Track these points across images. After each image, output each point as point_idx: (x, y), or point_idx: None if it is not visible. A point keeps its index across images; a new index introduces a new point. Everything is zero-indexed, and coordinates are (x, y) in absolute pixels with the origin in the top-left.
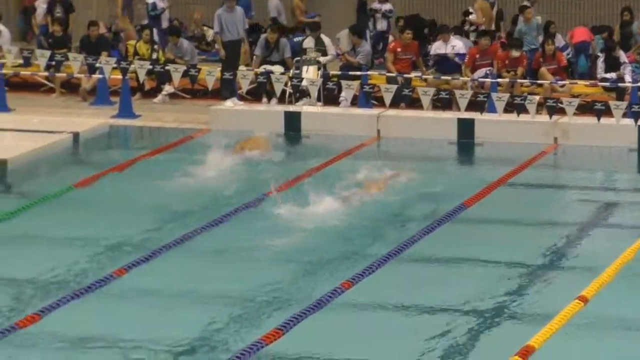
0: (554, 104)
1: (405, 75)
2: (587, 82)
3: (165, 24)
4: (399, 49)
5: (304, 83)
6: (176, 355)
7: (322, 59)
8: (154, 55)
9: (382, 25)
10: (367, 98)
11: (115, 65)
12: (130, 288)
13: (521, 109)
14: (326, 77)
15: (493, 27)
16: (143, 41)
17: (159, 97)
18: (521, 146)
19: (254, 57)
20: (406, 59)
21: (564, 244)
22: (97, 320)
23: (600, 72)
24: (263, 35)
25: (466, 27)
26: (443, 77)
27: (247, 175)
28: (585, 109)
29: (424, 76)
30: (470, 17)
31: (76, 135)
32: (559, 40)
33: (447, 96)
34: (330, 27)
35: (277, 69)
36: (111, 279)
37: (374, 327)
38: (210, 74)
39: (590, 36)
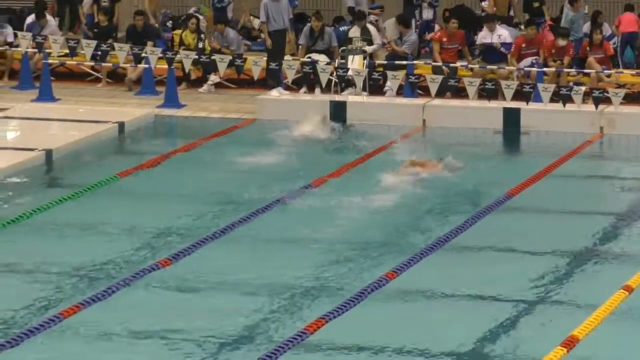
0: (600, 94)
1: (451, 65)
2: (634, 72)
3: (231, 15)
4: (444, 39)
5: (350, 73)
6: (220, 345)
7: (368, 49)
8: (200, 45)
9: (428, 14)
10: (413, 88)
11: (160, 55)
12: (176, 277)
13: (567, 99)
14: (372, 67)
15: (511, 14)
16: (189, 30)
17: (205, 87)
18: (567, 136)
19: (299, 46)
20: (452, 49)
21: (609, 233)
22: (141, 311)
23: None
24: (308, 24)
25: (479, 14)
26: (489, 67)
27: (292, 165)
28: (631, 98)
29: (470, 66)
30: (483, 4)
31: (121, 125)
32: (606, 30)
33: (493, 86)
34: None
35: (323, 58)
36: (156, 269)
37: (418, 317)
38: (256, 64)
39: (638, 25)
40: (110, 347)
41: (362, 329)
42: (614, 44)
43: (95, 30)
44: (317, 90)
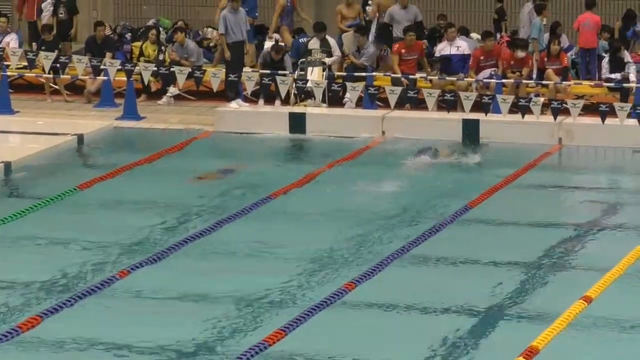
0: (559, 106)
1: (411, 77)
2: (592, 83)
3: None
4: (403, 50)
5: (309, 84)
6: (177, 356)
7: (327, 60)
8: (161, 57)
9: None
10: (372, 99)
11: (120, 67)
12: (133, 289)
13: (526, 110)
14: (331, 78)
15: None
16: (149, 42)
17: (164, 99)
18: (526, 147)
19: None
20: (411, 60)
21: (568, 244)
22: (98, 322)
23: (605, 72)
24: (267, 48)
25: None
26: (448, 78)
27: (251, 177)
28: (590, 109)
29: (429, 77)
30: (367, 8)
31: (80, 137)
32: (564, 41)
33: (452, 97)
34: (335, 28)
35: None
36: (114, 281)
37: (376, 328)
38: (215, 76)
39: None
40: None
41: (321, 340)
42: (572, 55)
43: (43, 47)
44: (277, 102)
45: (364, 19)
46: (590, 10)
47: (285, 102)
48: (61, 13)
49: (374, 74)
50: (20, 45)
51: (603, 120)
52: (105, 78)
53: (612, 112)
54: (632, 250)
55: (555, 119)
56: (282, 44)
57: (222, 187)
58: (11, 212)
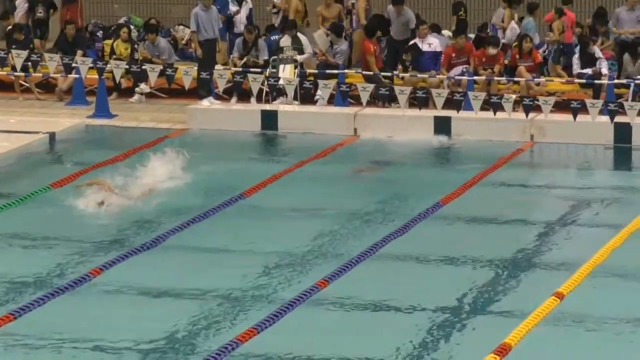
0: (530, 102)
1: (383, 74)
2: (563, 80)
3: (240, 27)
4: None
5: (281, 82)
6: (145, 356)
7: (299, 58)
8: (136, 55)
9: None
10: (344, 97)
11: (91, 65)
12: (105, 287)
13: (498, 107)
14: (303, 76)
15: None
16: (121, 40)
17: (136, 97)
18: (498, 144)
19: (232, 58)
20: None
21: (540, 241)
22: (71, 319)
23: (576, 68)
24: (240, 37)
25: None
26: (420, 75)
27: (220, 175)
28: (562, 106)
29: (401, 75)
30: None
31: (52, 136)
32: (536, 39)
33: (424, 95)
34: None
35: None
36: (87, 279)
37: (347, 325)
38: (187, 74)
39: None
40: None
41: (293, 338)
42: (544, 51)
43: (14, 46)
44: (253, 99)
45: (345, 17)
46: (566, 6)
47: (259, 99)
48: (40, 12)
49: (345, 71)
50: None
51: (575, 117)
52: (77, 76)
53: (583, 109)
54: (603, 247)
55: (527, 116)
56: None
57: (196, 185)
58: None
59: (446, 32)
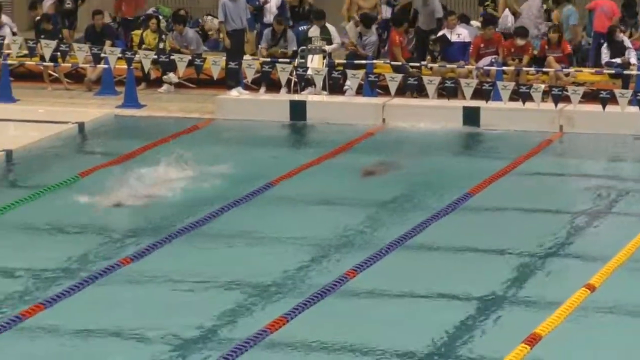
0: (559, 92)
1: (411, 64)
2: (593, 70)
3: (269, 17)
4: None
5: (309, 72)
6: (179, 344)
7: (328, 48)
8: (161, 45)
9: (387, 13)
10: (372, 87)
11: (120, 55)
12: (135, 276)
13: (526, 97)
14: (331, 66)
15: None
16: (150, 30)
17: (164, 87)
18: (526, 134)
19: (260, 49)
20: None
21: (570, 232)
22: (101, 308)
23: (605, 57)
24: (269, 27)
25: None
26: (449, 66)
27: (249, 165)
28: (591, 97)
29: (430, 65)
30: None
31: (81, 125)
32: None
33: (453, 85)
34: (336, 16)
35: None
36: (117, 268)
37: (376, 315)
38: (216, 64)
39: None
40: (69, 346)
41: (322, 327)
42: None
43: (42, 36)
44: (283, 90)
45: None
46: None
47: (288, 90)
48: (68, 3)
49: (374, 61)
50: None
51: (604, 107)
52: (106, 66)
53: (613, 99)
54: (635, 238)
55: (556, 106)
56: None
57: (226, 174)
58: (12, 200)
59: (475, 23)
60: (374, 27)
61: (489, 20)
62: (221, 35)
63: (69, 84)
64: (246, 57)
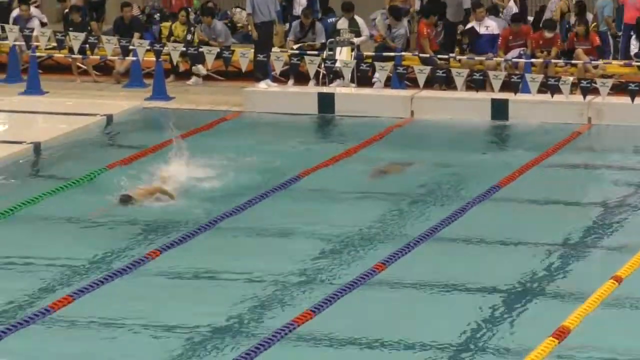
0: (588, 85)
1: (439, 56)
2: (621, 62)
3: (298, 9)
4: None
5: (338, 64)
6: (206, 336)
7: (356, 40)
8: (189, 37)
9: (416, 5)
10: (401, 79)
11: (148, 47)
12: (162, 269)
13: (555, 90)
14: (360, 58)
15: None
16: (179, 22)
17: (193, 79)
18: (555, 126)
19: (288, 41)
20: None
21: (598, 224)
22: (127, 302)
23: (634, 49)
24: (298, 20)
25: None
26: (477, 58)
27: (277, 158)
28: (619, 89)
29: (458, 57)
30: None
31: (110, 118)
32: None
33: (481, 77)
34: (364, 8)
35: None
36: (143, 261)
37: (404, 308)
38: (244, 56)
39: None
40: (102, 337)
41: (351, 320)
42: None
43: (71, 28)
44: (311, 82)
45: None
46: None
47: (316, 82)
48: None
49: (402, 53)
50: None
51: (632, 99)
52: (134, 59)
53: None
54: None
55: (584, 98)
56: None
57: (252, 168)
58: (41, 192)
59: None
60: (404, 20)
61: (518, 17)
62: (249, 28)
63: (97, 76)
64: (274, 49)
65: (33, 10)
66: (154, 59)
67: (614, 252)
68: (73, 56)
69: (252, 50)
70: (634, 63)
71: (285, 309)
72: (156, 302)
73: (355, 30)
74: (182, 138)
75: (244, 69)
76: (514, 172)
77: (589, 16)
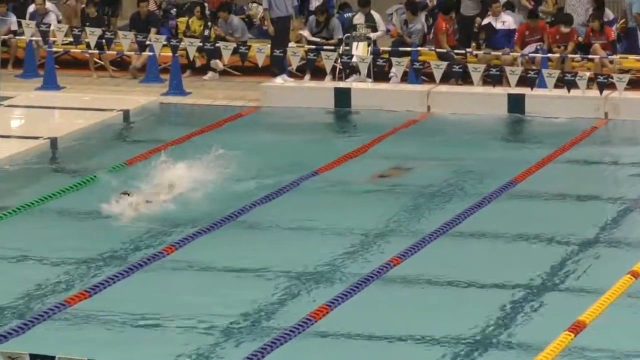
0: (605, 80)
1: (456, 51)
2: (638, 57)
3: (314, 3)
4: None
5: (354, 59)
6: (224, 332)
7: (372, 35)
8: (206, 32)
9: (433, 1)
10: (417, 74)
11: (165, 43)
12: (179, 264)
13: (572, 85)
14: (376, 54)
15: None
16: (196, 17)
17: (209, 74)
18: (571, 121)
19: (303, 38)
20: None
21: (615, 219)
22: (144, 297)
23: None
24: (313, 15)
25: None
26: (493, 53)
27: (294, 153)
28: (636, 84)
29: (474, 52)
30: None
31: (126, 113)
32: (608, 15)
33: (498, 72)
34: (380, 3)
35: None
36: (161, 256)
37: (420, 302)
38: (260, 51)
39: None
40: (116, 332)
41: (366, 315)
42: (615, 29)
43: (87, 23)
44: (328, 77)
45: None
46: None
47: (332, 77)
48: None
49: (419, 48)
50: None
51: None
52: (151, 54)
53: None
54: None
55: (601, 93)
56: None
57: (269, 163)
58: (57, 187)
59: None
60: (421, 15)
61: (533, 12)
62: (266, 23)
63: (114, 71)
64: (291, 44)
65: (49, 5)
66: (170, 54)
67: (630, 247)
68: (90, 51)
69: (269, 46)
70: None
71: (302, 304)
72: (172, 297)
73: (371, 25)
74: (200, 133)
75: (260, 64)
76: (530, 167)
77: (608, 13)
